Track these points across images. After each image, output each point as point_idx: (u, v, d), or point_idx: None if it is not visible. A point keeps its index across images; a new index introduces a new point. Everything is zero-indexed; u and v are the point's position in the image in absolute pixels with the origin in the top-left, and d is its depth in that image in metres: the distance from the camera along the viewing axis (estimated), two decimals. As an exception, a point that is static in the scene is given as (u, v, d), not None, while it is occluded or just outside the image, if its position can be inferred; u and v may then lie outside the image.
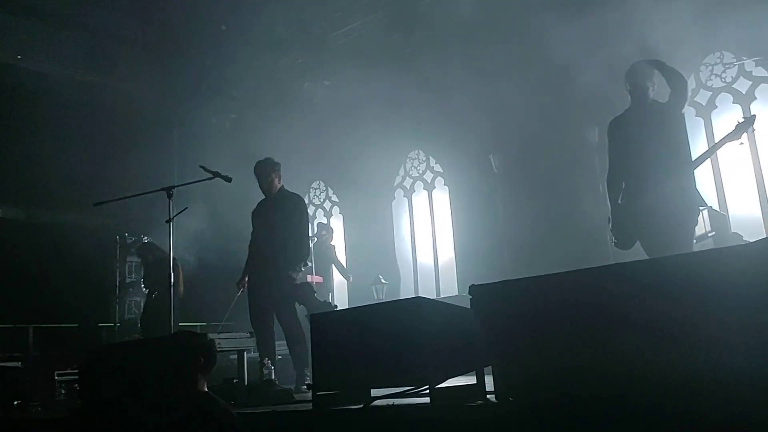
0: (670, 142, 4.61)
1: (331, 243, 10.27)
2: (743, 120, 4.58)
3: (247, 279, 5.97)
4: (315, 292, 6.16)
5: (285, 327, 5.56)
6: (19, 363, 8.43)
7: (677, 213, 4.45)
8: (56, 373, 7.79)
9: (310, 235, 9.93)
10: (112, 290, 9.71)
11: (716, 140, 8.23)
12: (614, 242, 4.92)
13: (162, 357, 3.23)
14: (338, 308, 6.44)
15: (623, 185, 4.84)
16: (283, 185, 6.05)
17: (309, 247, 5.98)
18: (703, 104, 8.48)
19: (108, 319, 9.86)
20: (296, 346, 5.57)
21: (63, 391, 7.61)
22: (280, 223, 5.76)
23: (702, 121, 8.47)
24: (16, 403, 5.36)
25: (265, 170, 5.96)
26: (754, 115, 4.66)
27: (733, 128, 4.60)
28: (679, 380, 2.24)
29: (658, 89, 4.89)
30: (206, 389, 3.17)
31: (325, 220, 12.48)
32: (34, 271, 8.96)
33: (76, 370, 6.68)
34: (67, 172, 9.40)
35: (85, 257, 9.23)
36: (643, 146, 4.65)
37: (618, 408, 2.32)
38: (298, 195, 6.02)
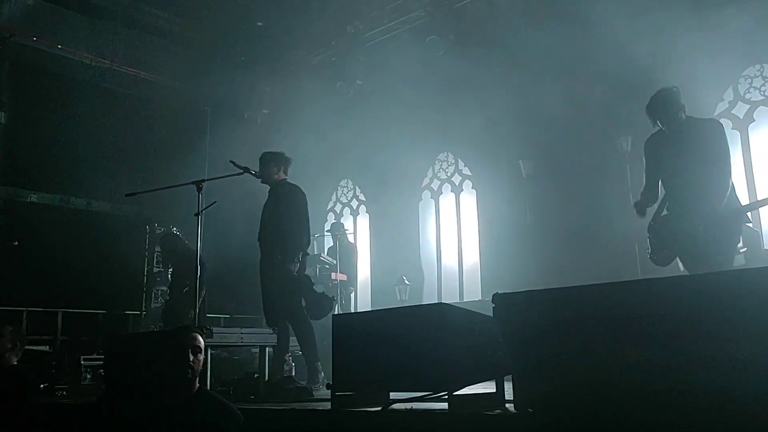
0: (710, 159, 4.46)
1: (350, 242, 10.20)
2: None
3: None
4: (313, 284, 6.05)
5: (288, 320, 5.48)
6: (48, 347, 8.63)
7: (719, 233, 4.33)
8: (82, 357, 7.94)
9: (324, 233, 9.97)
10: (140, 279, 9.86)
11: (752, 156, 8.10)
12: (649, 253, 4.83)
13: (163, 350, 3.28)
14: (334, 299, 6.31)
15: (664, 202, 4.73)
16: (286, 178, 5.89)
17: (306, 239, 5.77)
18: (740, 117, 8.32)
19: (135, 307, 10.03)
20: (302, 340, 5.51)
21: (89, 376, 7.75)
22: (275, 214, 5.66)
23: (738, 134, 8.32)
24: (42, 386, 5.47)
25: (264, 159, 5.84)
26: None
27: None
28: (705, 402, 2.20)
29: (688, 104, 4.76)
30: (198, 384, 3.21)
31: (351, 219, 12.53)
32: (65, 257, 9.14)
33: (102, 356, 6.79)
34: (101, 162, 9.58)
35: (115, 245, 9.40)
36: (684, 164, 4.53)
37: (639, 427, 2.29)
38: (296, 185, 5.82)
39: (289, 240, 5.56)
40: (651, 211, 4.87)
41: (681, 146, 4.57)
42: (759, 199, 4.65)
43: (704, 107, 8.44)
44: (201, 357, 3.20)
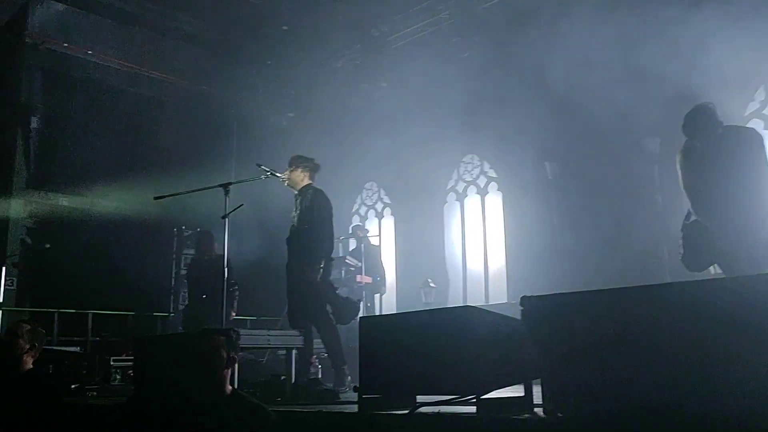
0: (749, 170, 4.36)
1: (373, 244, 10.14)
2: None
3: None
4: (337, 290, 6.03)
5: (313, 324, 5.44)
6: (78, 348, 8.77)
7: (763, 253, 4.23)
8: (112, 359, 8.06)
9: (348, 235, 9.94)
10: (168, 281, 9.98)
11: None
12: (681, 254, 4.72)
13: (190, 353, 3.28)
14: (359, 302, 6.27)
15: (704, 209, 4.60)
16: (311, 183, 5.83)
17: (329, 246, 5.73)
18: (773, 116, 8.16)
19: (163, 309, 10.16)
20: (328, 344, 5.45)
21: (118, 377, 7.87)
22: (299, 219, 5.64)
23: (770, 134, 8.15)
24: (73, 386, 5.55)
25: (293, 163, 5.81)
26: None
27: None
28: (737, 404, 2.16)
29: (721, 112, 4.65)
30: (230, 385, 3.20)
31: (376, 221, 12.54)
32: (95, 260, 9.31)
33: (131, 357, 6.89)
34: (130, 165, 9.73)
35: (143, 248, 9.55)
36: (721, 175, 4.42)
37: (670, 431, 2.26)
38: (321, 191, 5.76)
39: (312, 247, 5.53)
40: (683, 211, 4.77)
41: (718, 158, 4.44)
42: None
43: (735, 107, 8.30)
44: (226, 359, 3.16)
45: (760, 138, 4.45)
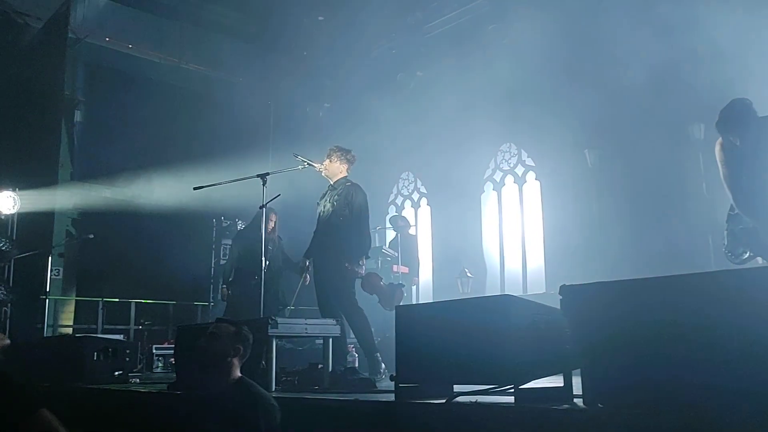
0: None
1: (410, 233, 10.09)
2: None
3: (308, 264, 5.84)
4: (381, 279, 6.01)
5: (344, 314, 5.45)
6: (122, 336, 8.99)
7: None
8: (154, 347, 8.24)
9: (386, 226, 9.92)
10: (207, 271, 10.14)
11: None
12: (725, 247, 4.61)
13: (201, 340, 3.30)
14: (403, 286, 6.24)
15: (745, 205, 4.48)
16: (347, 176, 5.82)
17: (368, 242, 5.68)
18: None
19: (203, 299, 10.33)
20: (358, 333, 5.48)
21: (160, 364, 8.04)
22: (334, 212, 5.61)
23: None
24: (117, 373, 5.69)
25: (331, 153, 5.79)
26: None
27: None
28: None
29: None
30: (240, 374, 3.19)
31: (413, 211, 12.51)
32: (137, 250, 9.51)
33: (173, 345, 7.03)
34: (170, 157, 9.89)
35: (184, 238, 9.71)
36: (763, 169, 4.32)
37: (715, 424, 2.19)
38: (357, 185, 5.74)
39: (354, 242, 5.51)
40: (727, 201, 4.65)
41: (757, 152, 4.34)
42: None
43: (765, 97, 8.00)
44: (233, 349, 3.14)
45: None
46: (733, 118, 4.42)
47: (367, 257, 5.79)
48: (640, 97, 8.17)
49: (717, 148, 4.64)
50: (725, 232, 4.65)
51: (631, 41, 7.95)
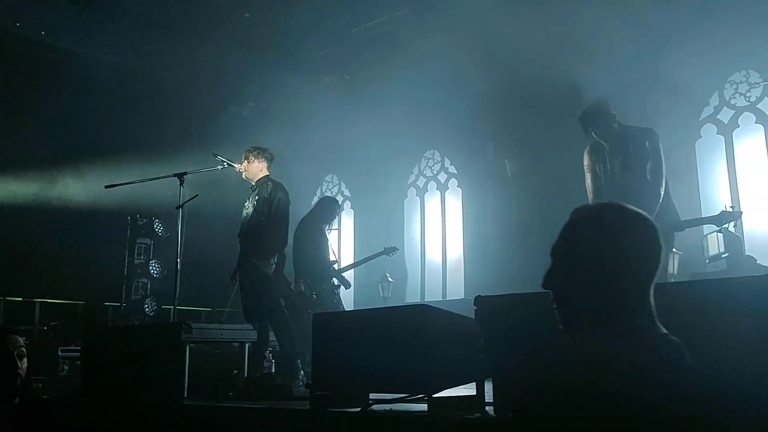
0: (644, 168, 4.58)
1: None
2: (731, 211, 4.54)
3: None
4: (290, 284, 5.97)
5: (267, 318, 5.36)
6: (24, 337, 8.49)
7: None
8: (60, 348, 7.85)
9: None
10: (120, 270, 9.76)
11: (735, 161, 8.19)
12: None
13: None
14: (315, 297, 6.24)
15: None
16: (269, 175, 5.75)
17: (282, 240, 5.53)
18: (725, 122, 8.38)
19: (115, 299, 9.93)
20: (281, 338, 5.35)
21: (66, 367, 7.67)
22: (254, 212, 5.54)
23: (723, 139, 8.37)
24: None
25: (248, 154, 5.71)
26: (740, 212, 4.62)
27: (718, 213, 4.57)
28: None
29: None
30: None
31: (336, 214, 12.48)
32: (44, 248, 9.04)
33: (80, 347, 6.72)
34: (84, 151, 9.46)
35: (95, 237, 9.31)
36: (619, 173, 4.66)
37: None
38: (279, 183, 5.68)
39: (265, 241, 5.44)
40: None
41: (615, 155, 4.67)
42: (702, 216, 4.76)
43: (690, 112, 8.50)
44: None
45: (655, 136, 4.64)
46: (591, 114, 4.78)
47: (283, 256, 5.72)
48: (557, 109, 8.45)
49: (585, 154, 4.95)
50: None
51: (546, 59, 8.22)
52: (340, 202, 6.90)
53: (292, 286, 6.22)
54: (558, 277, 1.61)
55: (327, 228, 6.73)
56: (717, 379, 2.19)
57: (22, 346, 2.85)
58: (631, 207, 1.59)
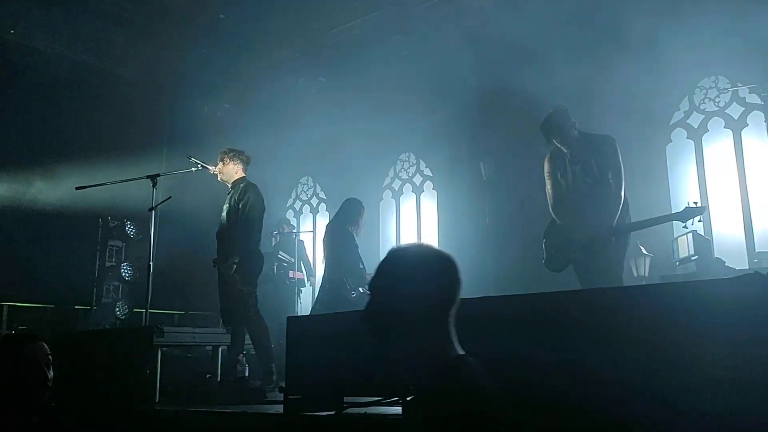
0: (604, 174, 4.70)
1: (299, 239, 10.06)
2: (695, 206, 4.65)
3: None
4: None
5: (243, 321, 5.33)
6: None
7: (609, 246, 4.59)
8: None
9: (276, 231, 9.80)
10: (91, 273, 9.59)
11: (705, 165, 8.34)
12: (544, 259, 5.07)
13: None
14: (354, 296, 6.30)
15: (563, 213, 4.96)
16: (244, 177, 5.76)
17: (254, 240, 5.57)
18: (695, 127, 8.52)
19: (86, 302, 9.75)
20: (256, 341, 5.37)
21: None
22: (229, 213, 5.56)
23: (693, 143, 8.51)
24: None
25: (223, 156, 5.71)
26: (705, 207, 4.78)
27: (683, 209, 4.69)
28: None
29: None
30: None
31: (311, 216, 12.45)
32: (11, 249, 8.85)
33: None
34: (52, 152, 9.30)
35: (65, 239, 9.14)
36: (579, 179, 4.78)
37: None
38: (253, 184, 5.69)
39: (240, 242, 5.44)
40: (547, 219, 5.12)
41: (576, 162, 4.80)
42: (651, 217, 4.88)
43: (660, 116, 8.63)
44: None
45: (613, 143, 4.79)
46: (551, 122, 4.93)
47: (261, 257, 5.73)
48: (531, 113, 8.51)
49: (545, 161, 5.06)
50: (543, 246, 5.09)
51: (521, 56, 8.28)
52: (362, 203, 7.05)
53: (326, 289, 6.28)
54: (372, 305, 1.84)
55: (355, 231, 6.74)
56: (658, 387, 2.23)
57: (49, 354, 2.76)
58: (433, 248, 1.86)
